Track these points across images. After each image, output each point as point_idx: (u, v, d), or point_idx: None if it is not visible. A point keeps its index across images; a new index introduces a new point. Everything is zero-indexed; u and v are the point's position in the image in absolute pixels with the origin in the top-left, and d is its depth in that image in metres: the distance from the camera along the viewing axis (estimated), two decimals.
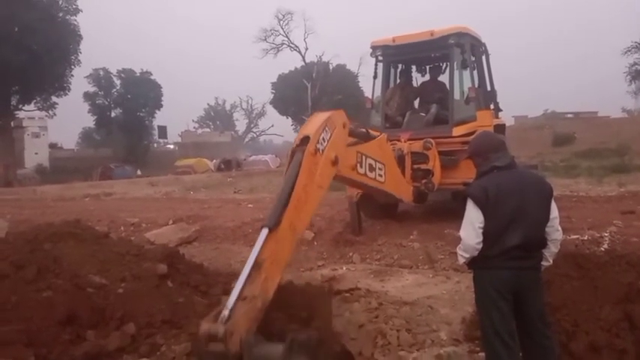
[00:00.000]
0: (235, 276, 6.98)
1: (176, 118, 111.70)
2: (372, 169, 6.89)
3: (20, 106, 43.12)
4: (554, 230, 3.46)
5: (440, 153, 8.88)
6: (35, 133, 61.20)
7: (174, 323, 5.02)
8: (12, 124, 45.02)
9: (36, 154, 58.22)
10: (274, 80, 60.15)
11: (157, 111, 60.26)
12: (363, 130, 7.03)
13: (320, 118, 5.15)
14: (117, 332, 4.65)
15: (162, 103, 59.92)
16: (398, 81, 10.74)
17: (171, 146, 73.33)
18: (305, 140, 4.77)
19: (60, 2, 40.04)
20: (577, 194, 12.28)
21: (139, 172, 44.89)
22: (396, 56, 10.31)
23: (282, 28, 49.96)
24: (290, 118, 61.40)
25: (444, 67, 10.56)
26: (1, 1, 34.63)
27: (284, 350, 3.28)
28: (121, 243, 6.83)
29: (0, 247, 5.79)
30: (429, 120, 9.69)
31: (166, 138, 70.53)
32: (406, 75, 10.87)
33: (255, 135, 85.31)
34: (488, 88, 10.26)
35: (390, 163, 7.61)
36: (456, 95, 9.71)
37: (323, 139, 5.10)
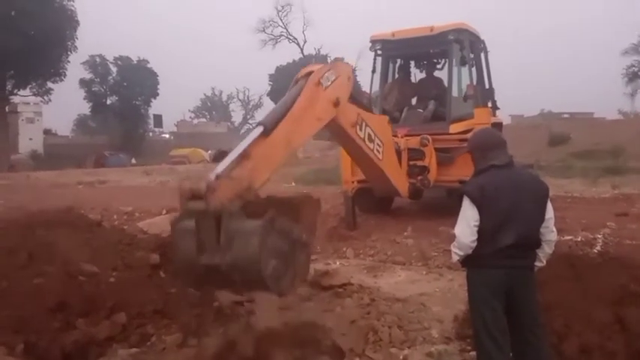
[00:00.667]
0: None
1: (172, 107, 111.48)
2: (371, 139, 7.05)
3: (15, 91, 42.90)
4: (549, 231, 3.45)
5: (436, 150, 8.87)
6: (30, 119, 60.95)
7: (165, 313, 4.99)
8: (7, 109, 44.74)
9: (30, 139, 57.99)
10: (272, 72, 60.02)
11: (152, 99, 60.09)
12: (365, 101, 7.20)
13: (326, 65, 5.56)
14: (107, 321, 4.62)
15: (159, 91, 59.75)
16: (396, 76, 10.72)
17: (167, 135, 73.15)
18: (310, 74, 5.17)
19: None
20: (571, 195, 12.34)
21: (133, 161, 44.78)
22: (395, 51, 10.29)
23: (281, 20, 49.85)
24: None
25: (442, 64, 10.54)
26: None
27: (261, 225, 3.41)
28: (114, 231, 6.80)
29: None
30: (427, 116, 9.68)
31: (162, 127, 70.38)
32: (404, 70, 10.85)
33: (251, 126, 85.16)
34: (487, 86, 10.27)
35: (389, 145, 7.69)
36: (454, 92, 9.70)
37: (327, 77, 5.43)
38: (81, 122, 74.26)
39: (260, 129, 4.20)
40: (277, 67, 59.30)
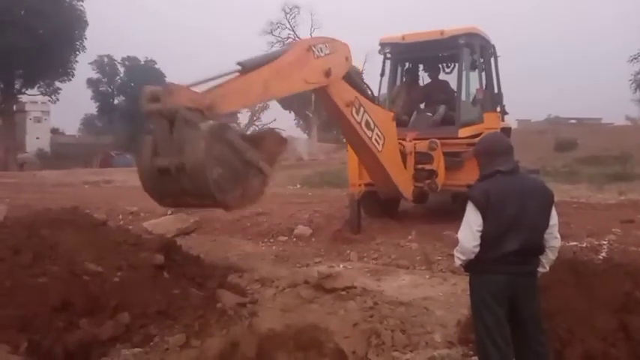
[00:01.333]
0: (232, 269, 7.04)
1: None
2: (369, 127, 7.24)
3: (23, 89, 43.05)
4: (553, 237, 3.44)
5: (445, 154, 8.85)
6: (37, 118, 61.27)
7: (168, 314, 5.02)
8: (14, 107, 44.95)
9: (37, 138, 58.30)
10: None
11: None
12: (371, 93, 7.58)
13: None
14: (111, 321, 4.64)
15: None
16: (405, 79, 10.70)
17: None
18: None
19: None
20: (577, 200, 12.26)
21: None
22: (405, 54, 10.25)
23: (289, 22, 49.85)
24: (292, 113, 61.26)
25: (452, 68, 10.49)
26: None
27: (208, 130, 3.74)
28: (119, 231, 6.83)
29: None
30: (436, 120, 9.63)
31: None
32: (413, 74, 10.82)
33: (257, 128, 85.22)
34: (496, 91, 10.23)
35: (391, 141, 7.77)
36: (463, 96, 9.65)
37: (320, 49, 5.74)
38: (88, 122, 74.38)
39: (238, 68, 4.57)
40: None
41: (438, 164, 8.79)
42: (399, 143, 8.67)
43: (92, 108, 61.08)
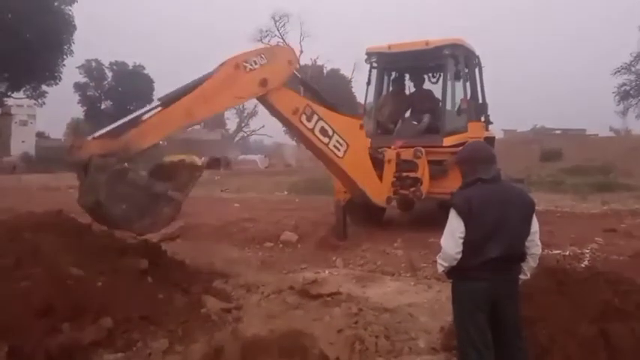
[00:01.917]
0: (217, 275, 7.01)
1: None
2: (325, 134, 7.31)
3: (9, 93, 42.58)
4: (534, 245, 3.49)
5: (430, 162, 8.93)
6: (23, 121, 60.58)
7: (152, 319, 4.97)
8: (0, 110, 44.46)
9: (23, 142, 57.56)
10: None
11: (147, 105, 59.79)
12: (332, 102, 7.77)
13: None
14: (93, 326, 4.59)
15: (154, 97, 59.52)
16: (391, 88, 10.79)
17: (160, 141, 72.82)
18: None
19: None
20: (561, 210, 12.40)
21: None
22: (391, 64, 10.36)
23: (278, 30, 50.03)
24: None
25: (437, 78, 10.61)
26: None
27: (106, 178, 4.67)
28: (103, 236, 6.73)
29: None
30: (422, 129, 9.73)
31: None
32: (399, 83, 10.92)
33: (245, 134, 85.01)
34: (480, 101, 10.35)
35: (357, 147, 7.86)
36: (448, 106, 9.77)
37: (254, 61, 6.08)
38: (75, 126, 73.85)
39: (158, 105, 5.41)
40: None
41: (423, 172, 8.88)
42: (385, 151, 8.76)
43: (79, 112, 60.74)
